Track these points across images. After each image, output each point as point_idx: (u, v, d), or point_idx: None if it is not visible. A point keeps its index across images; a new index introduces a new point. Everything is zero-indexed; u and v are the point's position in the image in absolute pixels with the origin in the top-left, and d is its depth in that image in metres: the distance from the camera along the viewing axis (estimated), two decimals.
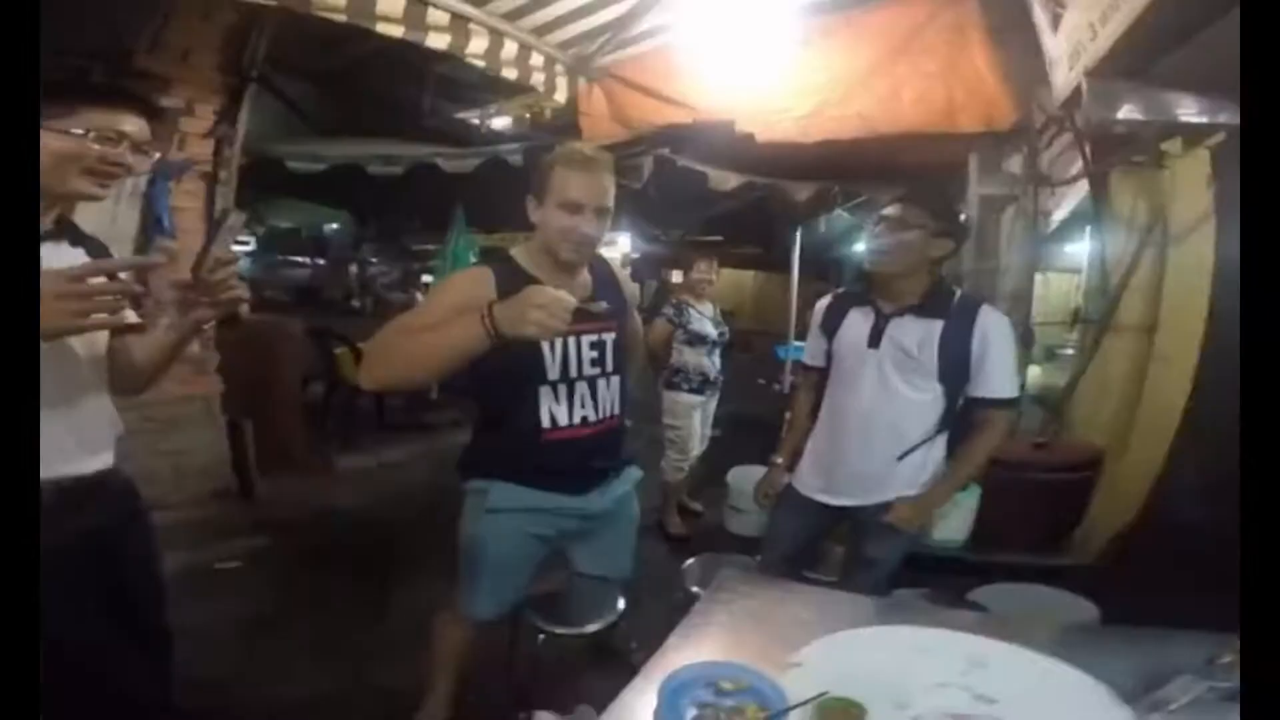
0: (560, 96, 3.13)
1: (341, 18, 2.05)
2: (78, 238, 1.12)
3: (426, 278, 8.45)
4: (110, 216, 2.60)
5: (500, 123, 5.68)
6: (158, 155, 2.85)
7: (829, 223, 4.43)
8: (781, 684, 0.87)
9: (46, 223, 1.04)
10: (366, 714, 1.92)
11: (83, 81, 1.07)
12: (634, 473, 1.68)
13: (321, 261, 12.68)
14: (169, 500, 2.85)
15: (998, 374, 1.55)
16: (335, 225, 10.82)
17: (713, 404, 3.42)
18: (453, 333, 1.21)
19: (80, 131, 1.00)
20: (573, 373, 1.45)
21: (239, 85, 2.94)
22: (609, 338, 1.50)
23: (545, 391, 1.43)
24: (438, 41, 2.41)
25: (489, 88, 4.99)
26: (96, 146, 1.01)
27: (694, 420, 3.30)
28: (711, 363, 3.28)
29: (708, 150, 3.64)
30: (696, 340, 3.23)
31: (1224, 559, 1.79)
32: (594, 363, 1.48)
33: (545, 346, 1.41)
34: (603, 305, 1.36)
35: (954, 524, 2.21)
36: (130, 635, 1.17)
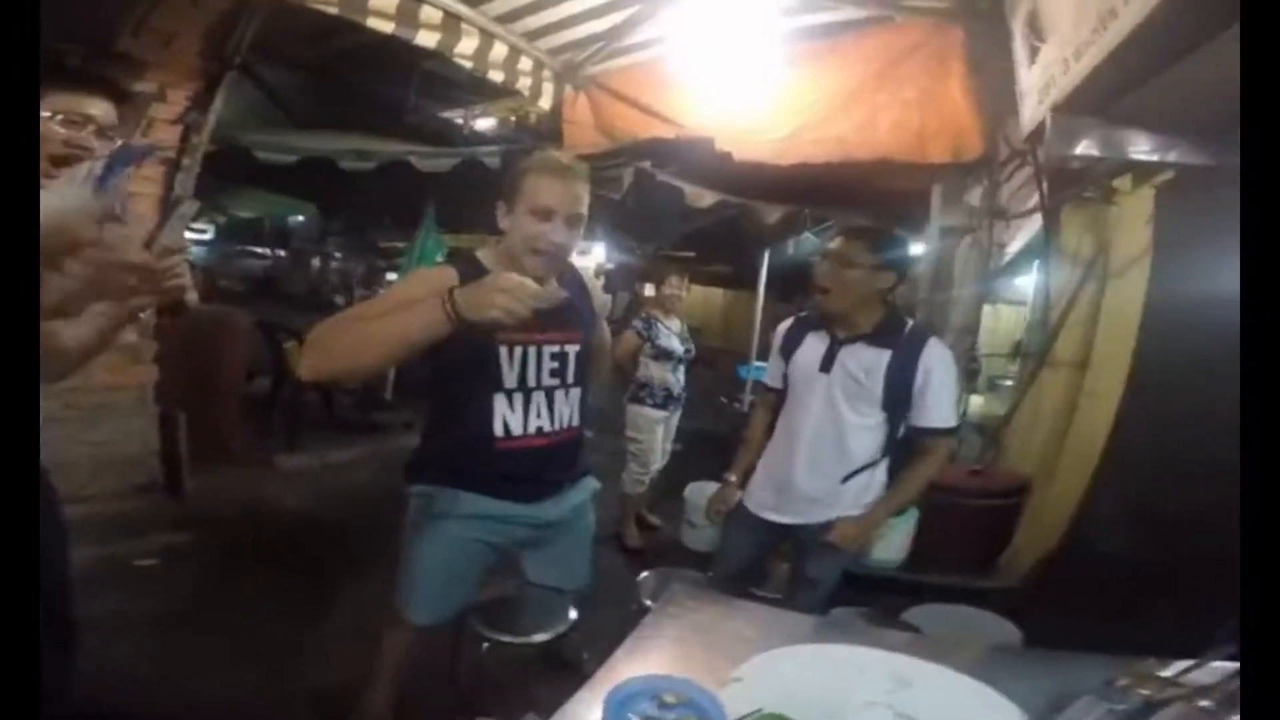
0: (545, 102, 3.13)
1: (333, 10, 2.02)
2: None
3: (391, 275, 8.27)
4: (59, 200, 2.50)
5: (484, 124, 5.64)
6: (119, 141, 2.76)
7: (797, 245, 4.51)
8: (721, 698, 0.87)
9: None
10: (290, 716, 1.83)
11: (53, 63, 0.98)
12: (591, 483, 1.65)
13: (283, 253, 12.31)
14: (85, 492, 2.70)
15: (938, 405, 1.61)
16: (300, 217, 10.52)
17: (675, 419, 3.43)
18: (408, 318, 1.14)
19: (46, 114, 0.97)
20: (530, 382, 1.42)
21: (218, 72, 2.88)
22: (572, 350, 1.47)
23: (500, 399, 1.39)
24: (427, 39, 2.40)
25: (475, 88, 4.97)
26: (61, 130, 0.98)
27: (657, 435, 3.30)
28: (676, 379, 3.29)
29: (687, 166, 3.68)
30: (663, 355, 3.24)
31: (1135, 585, 1.87)
32: (554, 373, 1.45)
33: (503, 353, 1.37)
34: (563, 295, 1.31)
35: (892, 545, 2.27)
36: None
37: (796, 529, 1.72)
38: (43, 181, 1.01)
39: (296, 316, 5.23)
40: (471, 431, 1.40)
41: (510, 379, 1.39)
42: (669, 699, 0.89)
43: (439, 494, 1.45)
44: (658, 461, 3.37)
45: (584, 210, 1.39)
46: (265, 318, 4.47)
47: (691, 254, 8.04)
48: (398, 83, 4.96)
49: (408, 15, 2.26)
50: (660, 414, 3.27)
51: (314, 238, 11.49)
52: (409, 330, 1.14)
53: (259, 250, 12.03)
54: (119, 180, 2.85)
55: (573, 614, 1.65)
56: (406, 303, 1.18)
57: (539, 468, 1.47)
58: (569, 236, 1.38)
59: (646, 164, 3.68)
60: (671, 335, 3.26)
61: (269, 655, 2.06)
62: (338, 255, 11.70)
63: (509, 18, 2.60)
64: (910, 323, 1.68)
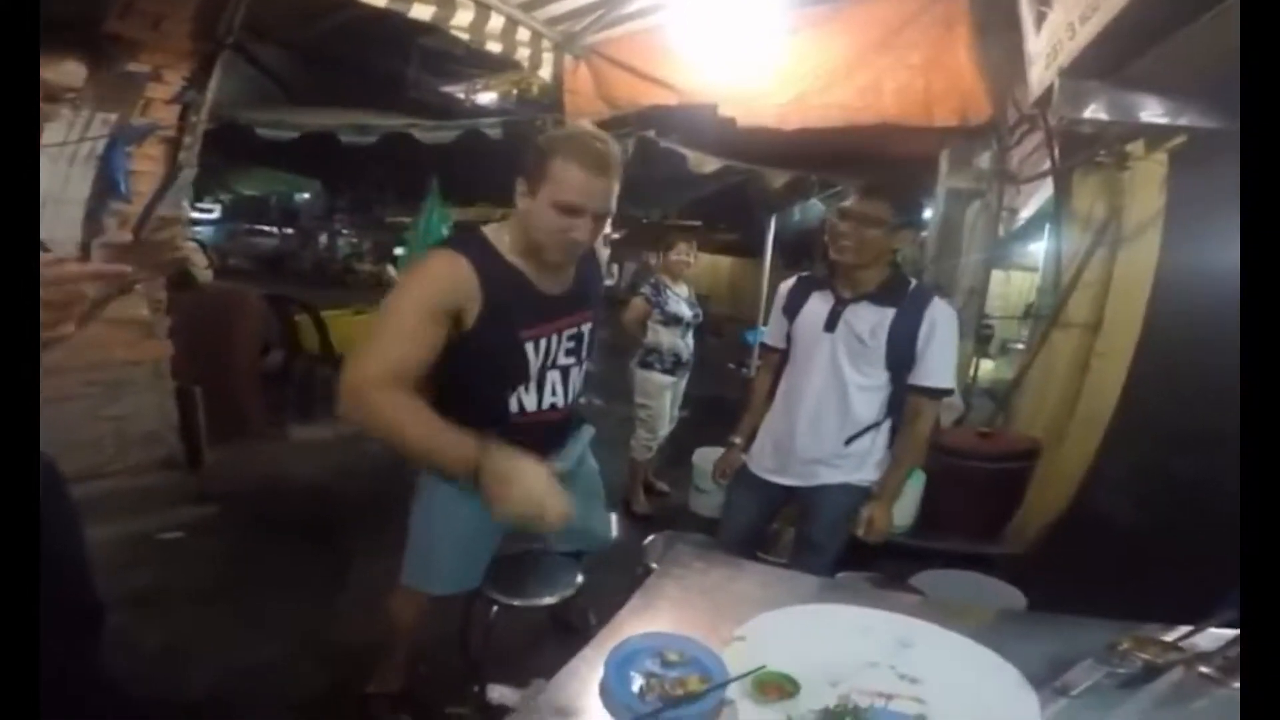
0: (545, 73, 3.08)
1: None
2: None
3: (398, 249, 8.27)
4: (64, 178, 2.50)
5: (486, 98, 5.55)
6: (115, 118, 2.74)
7: (804, 210, 4.45)
8: (724, 657, 0.89)
9: None
10: (311, 684, 1.89)
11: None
12: (587, 430, 1.66)
13: (290, 231, 12.32)
14: (110, 468, 2.76)
15: (937, 365, 1.60)
16: (306, 195, 10.51)
17: (683, 385, 3.44)
18: (439, 448, 1.12)
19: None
20: (548, 365, 1.40)
21: (212, 52, 2.84)
22: (586, 328, 1.47)
23: (519, 386, 1.38)
24: (422, 12, 2.34)
25: (475, 62, 4.87)
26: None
27: (665, 400, 3.31)
28: (685, 344, 3.29)
29: (690, 133, 3.62)
30: (672, 321, 3.23)
31: (1142, 550, 1.89)
32: (569, 352, 1.44)
33: (529, 348, 1.34)
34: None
35: (900, 509, 2.27)
36: (56, 611, 1.11)
37: (800, 491, 1.73)
38: None
39: (307, 292, 5.26)
40: (485, 413, 1.34)
41: (534, 369, 1.37)
42: (671, 657, 0.91)
43: None
44: (665, 427, 3.39)
45: (613, 207, 1.28)
46: (273, 292, 4.50)
47: (698, 222, 7.94)
48: (396, 58, 4.87)
49: None
50: (669, 379, 3.28)
51: (321, 214, 11.47)
52: (434, 457, 1.15)
53: (267, 228, 12.04)
54: (122, 159, 2.85)
55: (579, 577, 1.68)
56: (428, 316, 1.19)
57: (546, 437, 1.46)
58: (594, 234, 1.28)
59: (650, 132, 3.63)
60: (680, 301, 3.25)
61: (288, 625, 2.13)
62: (344, 231, 11.70)
63: None
64: (914, 282, 1.67)
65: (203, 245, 5.06)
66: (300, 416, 3.99)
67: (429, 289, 1.23)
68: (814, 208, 4.29)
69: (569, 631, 2.03)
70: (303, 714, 1.78)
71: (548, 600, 1.63)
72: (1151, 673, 0.85)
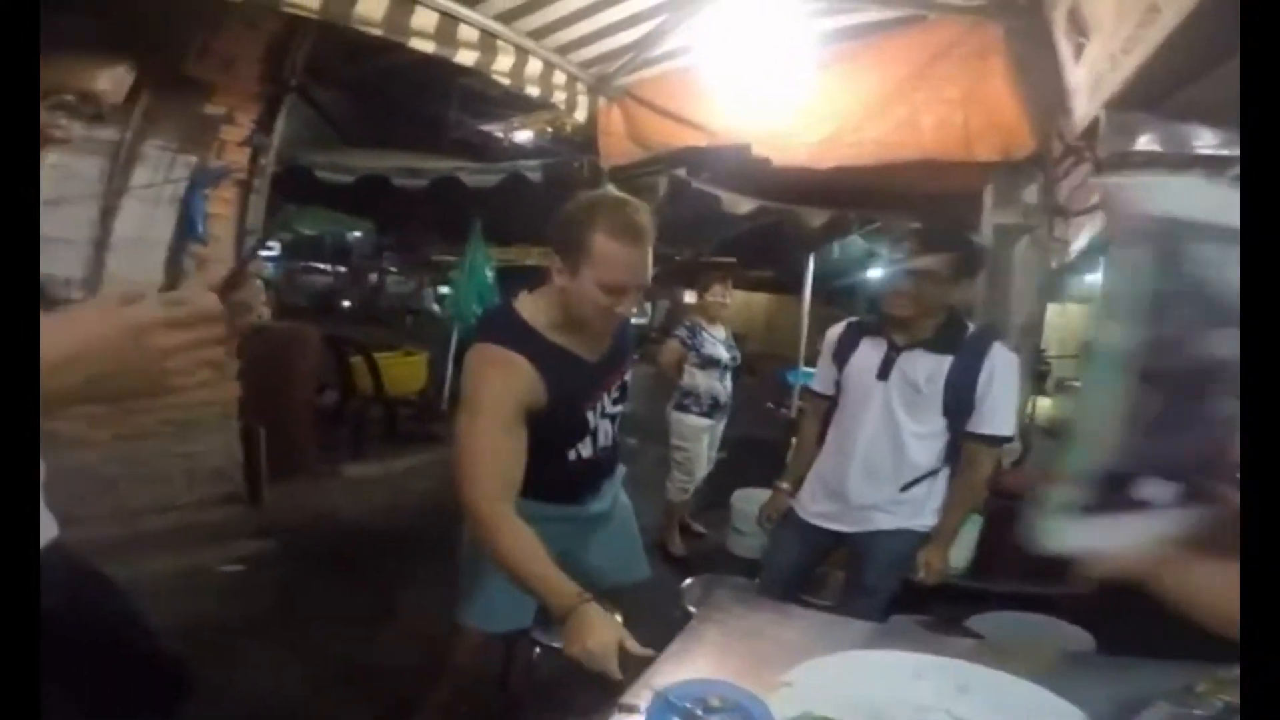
0: (580, 115, 3.19)
1: (378, 31, 2.09)
2: None
3: (443, 289, 8.56)
4: (148, 220, 2.68)
5: (522, 136, 5.77)
6: (195, 160, 2.95)
7: (843, 248, 4.43)
8: (769, 703, 0.87)
9: None
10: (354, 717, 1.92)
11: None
12: (620, 470, 1.70)
13: (343, 269, 12.91)
14: (179, 502, 2.90)
15: (996, 412, 1.57)
16: (358, 234, 11.04)
17: (721, 427, 3.41)
18: (544, 587, 1.19)
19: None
20: (601, 417, 1.49)
21: (278, 94, 3.01)
22: (627, 377, 1.56)
23: (579, 442, 1.46)
24: (466, 58, 2.45)
25: (511, 103, 5.09)
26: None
27: (702, 443, 3.28)
28: (723, 386, 3.27)
29: (723, 173, 3.67)
30: (709, 363, 3.21)
31: None
32: (615, 401, 1.52)
33: (589, 415, 1.42)
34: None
35: (956, 551, 2.18)
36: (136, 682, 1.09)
37: (853, 536, 1.70)
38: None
39: (357, 330, 5.47)
40: (547, 466, 1.37)
41: (591, 426, 1.44)
42: (714, 703, 0.90)
43: None
44: (703, 470, 3.35)
45: (650, 277, 1.31)
46: (331, 332, 4.68)
47: (732, 259, 7.99)
48: (438, 100, 5.11)
49: (446, 34, 2.32)
50: (706, 422, 3.25)
51: (371, 254, 12.01)
52: (537, 590, 1.21)
53: (321, 266, 12.64)
54: (200, 201, 3.00)
55: (618, 620, 1.67)
56: (512, 416, 1.25)
57: (595, 476, 1.55)
58: (636, 306, 1.36)
59: (681, 172, 3.69)
60: (717, 343, 3.24)
61: (335, 659, 2.17)
62: (393, 270, 12.20)
63: (541, 33, 2.64)
64: (971, 327, 1.64)
65: (266, 283, 5.33)
66: (352, 455, 4.13)
67: (504, 398, 1.26)
68: (853, 244, 4.27)
69: (605, 675, 2.00)
70: None
71: None
72: (1232, 713, 0.79)
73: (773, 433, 4.29)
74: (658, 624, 1.94)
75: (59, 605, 0.96)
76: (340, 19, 2.00)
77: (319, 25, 2.48)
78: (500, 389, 1.26)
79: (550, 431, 1.33)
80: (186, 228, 2.77)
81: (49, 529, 0.99)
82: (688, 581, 2.05)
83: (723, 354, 3.24)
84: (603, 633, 1.14)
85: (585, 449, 1.47)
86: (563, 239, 1.27)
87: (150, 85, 2.58)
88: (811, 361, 3.85)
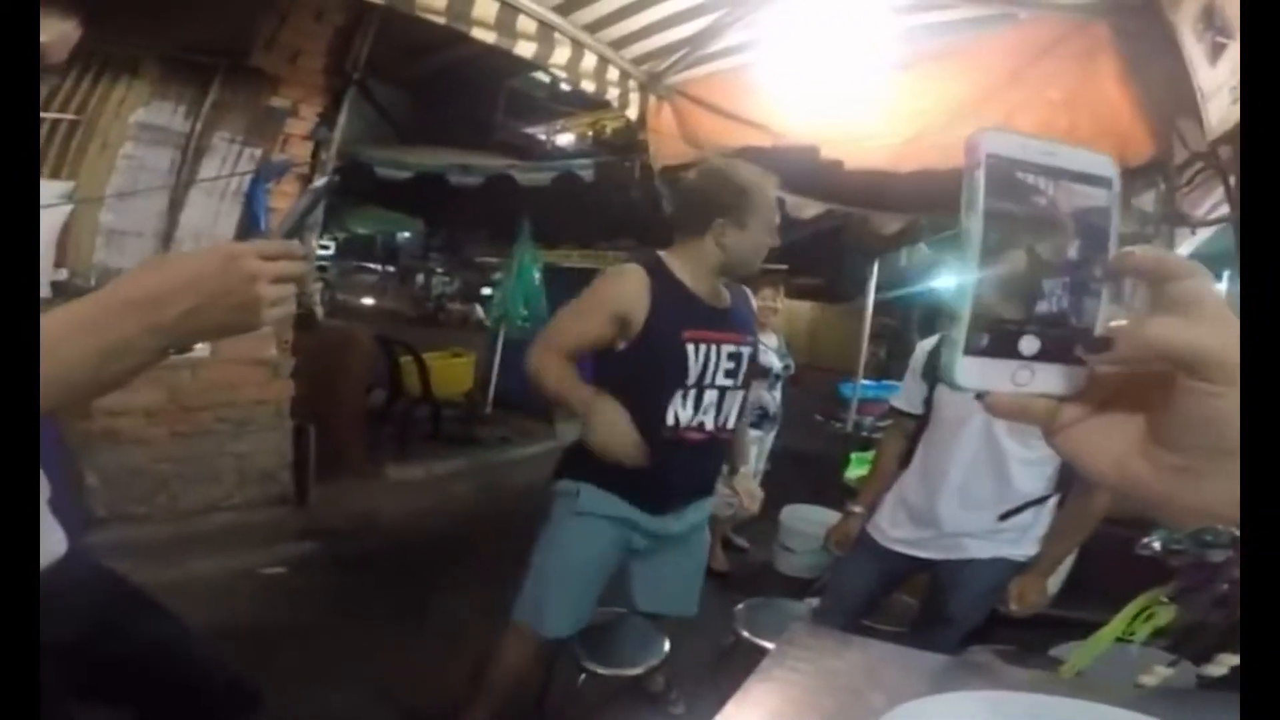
0: (632, 112, 3.11)
1: (441, 19, 2.07)
2: None
3: (486, 290, 8.60)
4: (215, 213, 2.69)
5: (565, 139, 5.82)
6: (260, 153, 2.96)
7: (910, 256, 4.19)
8: None
9: None
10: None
11: None
12: (709, 501, 1.67)
13: (392, 269, 13.21)
14: (227, 502, 2.91)
15: None
16: (407, 234, 11.25)
17: (770, 440, 3.27)
18: (570, 396, 1.42)
19: None
20: (707, 380, 1.48)
21: (341, 88, 3.01)
22: (745, 351, 1.54)
23: (679, 395, 1.47)
24: (525, 50, 2.42)
25: (553, 106, 5.09)
26: None
27: (751, 454, 3.16)
28: (772, 397, 3.14)
29: (785, 175, 3.50)
30: (760, 373, 3.08)
31: None
32: (728, 374, 1.51)
33: (690, 350, 1.45)
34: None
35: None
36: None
37: (939, 564, 1.59)
38: None
39: (405, 330, 5.50)
40: (646, 420, 1.43)
41: (693, 375, 1.46)
42: None
43: (582, 490, 1.51)
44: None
45: None
46: (380, 332, 4.73)
47: (783, 266, 7.76)
48: (486, 101, 5.15)
49: (506, 24, 2.29)
50: (755, 434, 3.12)
51: (418, 254, 12.23)
52: (567, 400, 1.44)
53: (371, 265, 12.96)
54: (263, 195, 2.99)
55: (666, 646, 1.65)
56: (608, 313, 1.43)
57: (688, 465, 1.53)
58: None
59: None
60: (769, 351, 3.10)
61: (372, 666, 2.14)
62: (439, 271, 12.40)
63: (595, 27, 2.58)
64: None
65: (326, 285, 5.41)
66: (397, 456, 4.10)
67: (609, 293, 1.46)
68: (919, 253, 4.03)
69: (647, 702, 1.95)
70: None
71: (635, 671, 1.60)
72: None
73: (820, 446, 4.10)
74: (703, 647, 1.83)
75: (95, 627, 0.96)
76: (405, 7, 1.98)
77: (382, 19, 2.44)
78: (612, 286, 1.46)
79: (648, 357, 1.42)
80: (250, 221, 2.76)
81: (58, 545, 0.95)
82: (740, 605, 1.92)
83: (775, 362, 3.11)
84: (606, 414, 1.35)
85: (684, 411, 1.46)
86: (729, 203, 1.44)
87: (219, 76, 2.60)
88: (873, 374, 3.60)
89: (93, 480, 2.54)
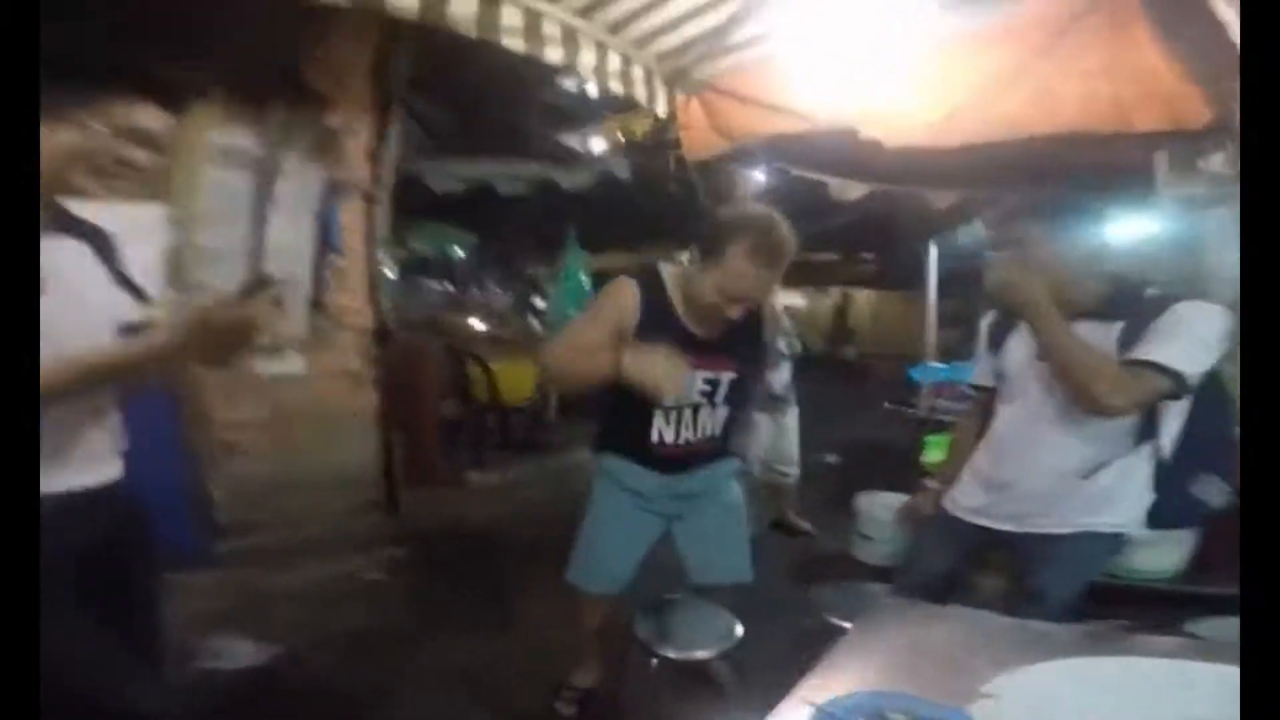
0: (660, 109, 3.16)
1: (472, 33, 2.14)
2: (73, 228, 1.00)
3: (539, 301, 8.84)
4: (293, 231, 2.96)
5: (598, 145, 5.96)
6: (326, 171, 3.16)
7: (967, 233, 4.06)
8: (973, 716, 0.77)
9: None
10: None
11: (106, 68, 0.93)
12: (730, 462, 1.80)
13: (451, 287, 13.74)
14: (328, 510, 3.11)
15: (1165, 341, 1.30)
16: (462, 253, 11.71)
17: (788, 420, 3.32)
18: (596, 366, 1.46)
19: (97, 126, 0.90)
20: (681, 400, 1.58)
21: (387, 104, 3.15)
22: (725, 377, 1.62)
23: (658, 415, 1.60)
24: (554, 55, 2.45)
25: (581, 113, 5.17)
26: (111, 143, 0.91)
27: (760, 436, 3.21)
28: (778, 378, 3.21)
29: (825, 160, 3.50)
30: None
31: None
32: (702, 394, 1.61)
33: None
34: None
35: (1164, 553, 1.86)
36: (127, 653, 1.09)
37: (1015, 536, 1.53)
38: (85, 198, 0.94)
39: (466, 345, 5.72)
40: (633, 433, 1.62)
41: (668, 400, 1.53)
42: (896, 718, 0.82)
43: (604, 459, 1.73)
44: (775, 462, 3.31)
45: (773, 289, 1.58)
46: (451, 344, 4.94)
47: (833, 255, 7.67)
48: (520, 112, 5.22)
49: (533, 32, 2.33)
50: (760, 416, 3.18)
51: (472, 271, 12.70)
52: (592, 375, 1.47)
53: (433, 284, 13.55)
54: (336, 213, 3.25)
55: (738, 629, 1.63)
56: (608, 326, 1.52)
57: (686, 462, 1.68)
58: (744, 311, 1.50)
59: (776, 163, 3.57)
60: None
61: (474, 665, 2.25)
62: (493, 287, 12.83)
63: (616, 27, 2.61)
64: (1151, 291, 1.44)
65: (394, 304, 5.75)
66: (474, 463, 4.33)
67: (607, 305, 1.57)
68: (975, 230, 3.90)
69: (703, 684, 1.95)
70: None
71: (702, 654, 1.59)
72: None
73: (894, 434, 4.03)
74: (780, 632, 1.86)
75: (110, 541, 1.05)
76: (437, 20, 2.06)
77: (416, 36, 2.52)
78: (604, 303, 1.59)
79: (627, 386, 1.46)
80: (326, 238, 2.92)
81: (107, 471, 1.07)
82: (819, 587, 1.91)
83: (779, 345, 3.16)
84: (641, 351, 1.39)
85: (667, 431, 1.61)
86: (706, 237, 1.49)
87: (280, 96, 2.81)
88: (945, 355, 3.55)
89: (217, 493, 2.80)
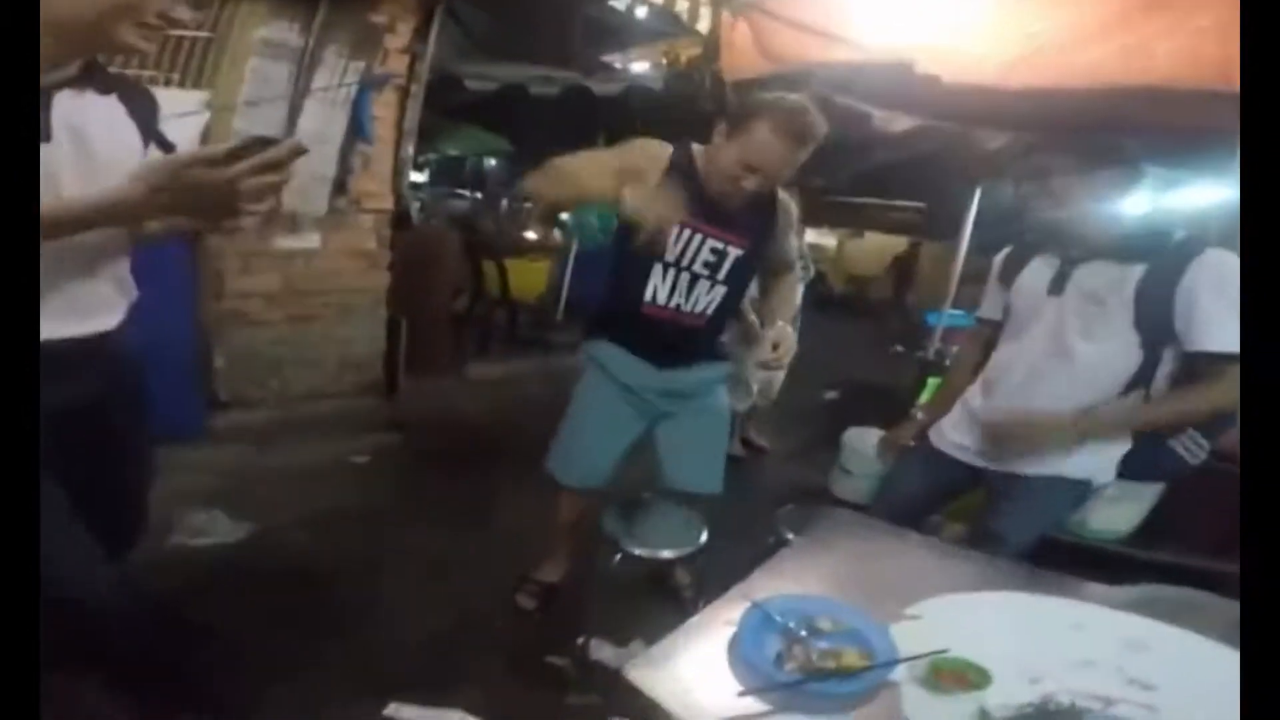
0: (702, 27, 3.02)
1: None
2: (108, 84, 1.01)
3: (563, 214, 8.68)
4: (325, 119, 2.92)
5: (639, 67, 5.91)
6: (363, 66, 3.14)
7: (1015, 186, 3.82)
8: (893, 634, 0.80)
9: (71, 69, 0.94)
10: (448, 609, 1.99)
11: None
12: (723, 365, 1.80)
13: (479, 195, 13.57)
14: (328, 389, 3.19)
15: (1209, 322, 1.26)
16: (494, 161, 11.48)
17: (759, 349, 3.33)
18: (600, 187, 1.51)
19: None
20: (684, 262, 1.58)
21: (431, 5, 3.15)
22: (733, 251, 1.60)
23: (657, 268, 1.58)
24: None
25: (627, 33, 5.15)
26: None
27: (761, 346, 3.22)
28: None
29: (875, 91, 3.25)
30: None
31: None
32: (707, 265, 1.60)
33: (675, 229, 1.53)
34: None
35: (1119, 514, 1.89)
36: (106, 510, 1.10)
37: (990, 476, 1.51)
38: (131, 53, 0.94)
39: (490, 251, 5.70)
40: (628, 294, 1.61)
41: (671, 252, 1.56)
42: (823, 625, 0.84)
43: (598, 348, 1.72)
44: (756, 383, 3.31)
45: (790, 174, 1.50)
46: (468, 239, 4.91)
47: (872, 199, 7.32)
48: (564, 26, 5.19)
49: None
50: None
51: (504, 180, 12.46)
52: (585, 191, 1.53)
53: (462, 192, 13.40)
54: (368, 104, 3.22)
55: (703, 536, 1.67)
56: (619, 167, 1.51)
57: (670, 337, 1.65)
58: (761, 186, 1.50)
59: (822, 91, 3.34)
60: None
61: (439, 552, 2.25)
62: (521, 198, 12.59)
63: None
64: (1180, 235, 1.36)
65: (423, 205, 5.81)
66: (477, 355, 4.42)
67: (635, 149, 1.58)
68: (1024, 188, 3.66)
69: (666, 594, 2.06)
70: (437, 640, 1.86)
71: (668, 553, 1.63)
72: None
73: (898, 377, 3.99)
74: (735, 547, 1.81)
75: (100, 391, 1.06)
76: None
77: None
78: (636, 146, 1.59)
79: (635, 236, 1.48)
80: (356, 129, 3.01)
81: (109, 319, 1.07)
82: (786, 507, 1.90)
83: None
84: (650, 191, 1.43)
85: (662, 289, 1.59)
86: (733, 112, 1.50)
87: None
88: (961, 304, 3.45)
89: (220, 362, 2.89)
